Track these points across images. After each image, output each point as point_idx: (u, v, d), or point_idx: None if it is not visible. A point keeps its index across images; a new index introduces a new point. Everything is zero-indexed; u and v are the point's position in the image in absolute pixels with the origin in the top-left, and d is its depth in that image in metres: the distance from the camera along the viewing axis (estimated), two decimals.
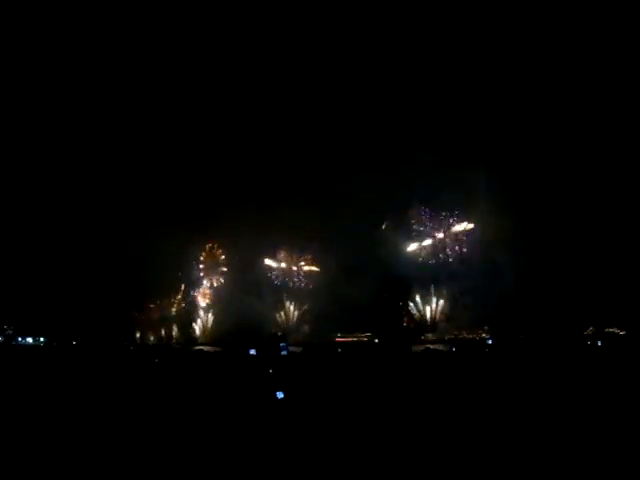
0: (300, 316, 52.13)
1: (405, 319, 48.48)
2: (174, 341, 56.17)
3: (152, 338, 56.21)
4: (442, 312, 48.41)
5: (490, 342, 35.25)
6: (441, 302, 48.37)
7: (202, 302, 57.35)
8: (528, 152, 43.24)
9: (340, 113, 48.74)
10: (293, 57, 49.16)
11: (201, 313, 56.69)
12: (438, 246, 48.99)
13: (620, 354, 29.85)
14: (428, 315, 49.11)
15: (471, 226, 47.41)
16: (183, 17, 48.87)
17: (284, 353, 24.35)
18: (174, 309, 57.53)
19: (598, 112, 41.25)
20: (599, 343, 32.04)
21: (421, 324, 49.07)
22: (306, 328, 48.97)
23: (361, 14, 47.04)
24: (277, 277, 54.29)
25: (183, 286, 58.39)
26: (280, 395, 16.18)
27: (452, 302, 47.57)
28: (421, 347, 33.53)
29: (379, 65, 47.73)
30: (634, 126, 40.33)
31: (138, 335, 56.44)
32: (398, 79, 47.54)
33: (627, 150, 40.49)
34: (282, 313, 51.96)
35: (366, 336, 45.97)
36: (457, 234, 48.25)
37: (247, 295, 52.73)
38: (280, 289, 53.82)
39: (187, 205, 51.90)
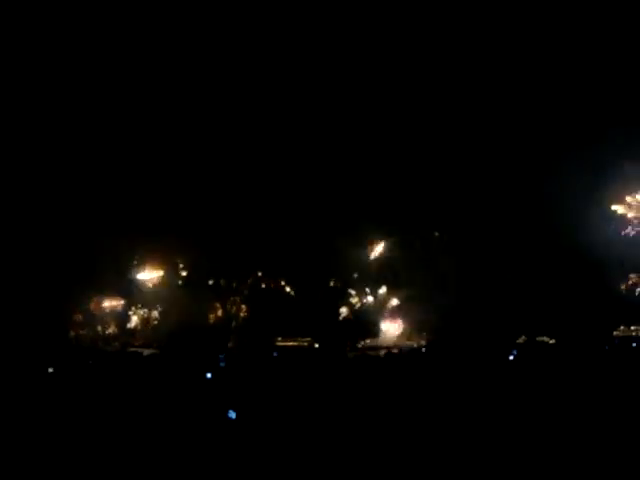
0: (243, 319, 51.76)
1: (346, 317, 49.05)
2: (115, 343, 54.73)
3: (87, 338, 54.46)
4: (384, 319, 49.21)
5: (424, 350, 36.04)
6: (388, 307, 49.19)
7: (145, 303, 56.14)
8: (470, 163, 44.29)
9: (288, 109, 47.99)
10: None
11: (140, 311, 55.35)
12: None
13: (549, 361, 31.04)
14: (370, 321, 49.85)
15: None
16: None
17: (222, 365, 24.19)
18: (111, 304, 55.90)
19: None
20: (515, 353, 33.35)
21: (362, 330, 49.65)
22: (247, 331, 48.60)
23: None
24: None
25: (124, 280, 56.91)
26: (232, 415, 15.47)
27: (396, 309, 48.47)
28: (359, 353, 33.87)
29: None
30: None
31: (73, 335, 54.56)
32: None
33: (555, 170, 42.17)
34: (224, 316, 51.54)
35: (306, 341, 46.05)
36: None
37: (190, 296, 52.04)
38: (227, 291, 53.39)
39: (134, 198, 50.52)
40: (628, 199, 45.41)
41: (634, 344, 27.71)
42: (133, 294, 55.67)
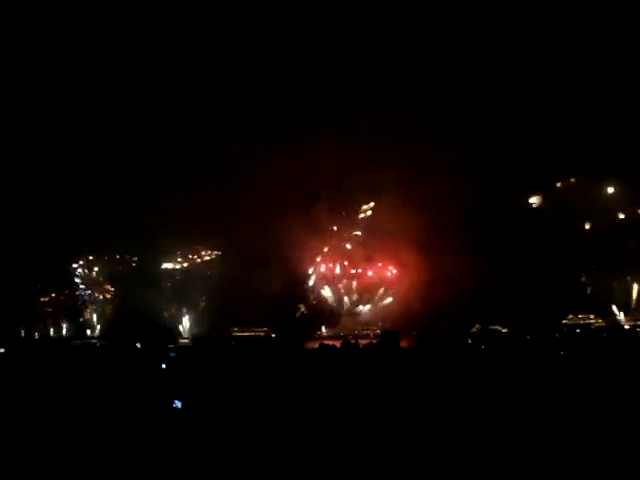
0: (200, 310, 51.24)
1: (302, 312, 49.21)
2: (67, 335, 53.46)
3: (37, 334, 52.99)
4: (346, 307, 49.54)
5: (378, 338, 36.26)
6: (345, 299, 49.41)
7: (97, 294, 54.97)
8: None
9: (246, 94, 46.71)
10: None
11: (94, 305, 54.29)
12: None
13: (502, 350, 31.56)
14: (331, 309, 50.13)
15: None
16: None
17: (173, 355, 23.61)
18: (63, 299, 54.67)
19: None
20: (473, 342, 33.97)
21: (321, 318, 49.86)
22: (204, 322, 48.15)
23: None
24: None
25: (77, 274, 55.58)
26: (178, 404, 15.25)
27: (357, 297, 48.82)
28: (316, 343, 33.91)
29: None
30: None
31: (23, 331, 53.07)
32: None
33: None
34: (179, 308, 50.97)
35: (263, 331, 45.89)
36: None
37: (145, 288, 51.17)
38: (181, 283, 52.74)
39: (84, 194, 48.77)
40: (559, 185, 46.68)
41: (578, 330, 28.75)
42: (85, 287, 54.65)
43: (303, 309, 49.76)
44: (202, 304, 51.26)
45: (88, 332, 53.17)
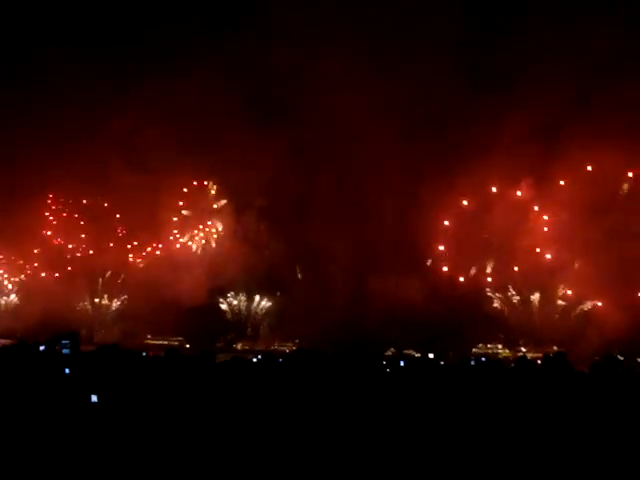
0: (114, 313, 49.15)
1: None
2: None
3: None
4: (263, 322, 48.89)
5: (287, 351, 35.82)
6: (263, 305, 48.72)
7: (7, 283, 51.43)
8: None
9: None
10: None
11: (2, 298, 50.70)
12: None
13: (416, 372, 31.95)
14: (248, 322, 49.34)
15: None
16: None
17: (66, 352, 21.89)
18: None
19: None
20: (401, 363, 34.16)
21: (239, 332, 49.06)
22: (116, 327, 46.24)
23: None
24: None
25: None
26: (94, 398, 14.45)
27: (277, 313, 48.23)
28: (229, 356, 33.35)
29: None
30: None
31: None
32: None
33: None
34: (90, 307, 48.70)
35: (177, 340, 44.65)
36: None
37: (58, 283, 48.67)
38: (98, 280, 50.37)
39: None
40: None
41: (483, 359, 29.56)
42: None
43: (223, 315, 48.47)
44: (116, 306, 49.27)
45: None
